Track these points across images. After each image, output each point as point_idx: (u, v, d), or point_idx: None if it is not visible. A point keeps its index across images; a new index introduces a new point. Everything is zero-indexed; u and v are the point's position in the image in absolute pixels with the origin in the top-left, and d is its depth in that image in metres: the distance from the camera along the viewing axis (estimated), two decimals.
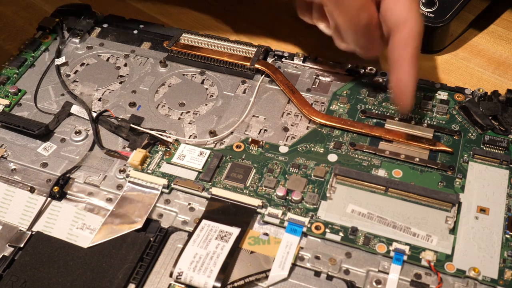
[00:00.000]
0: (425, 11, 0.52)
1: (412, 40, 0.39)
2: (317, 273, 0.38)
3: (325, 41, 0.57)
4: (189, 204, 0.42)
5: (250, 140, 0.46)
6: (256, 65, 0.50)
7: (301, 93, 0.49)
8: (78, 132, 0.47)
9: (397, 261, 0.38)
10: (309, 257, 0.39)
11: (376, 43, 0.42)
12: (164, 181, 0.43)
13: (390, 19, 0.40)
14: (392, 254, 0.38)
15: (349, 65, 0.51)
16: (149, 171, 0.44)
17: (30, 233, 0.41)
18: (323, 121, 0.46)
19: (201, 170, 0.44)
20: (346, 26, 0.41)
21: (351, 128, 0.46)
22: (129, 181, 0.43)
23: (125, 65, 0.53)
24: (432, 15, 0.52)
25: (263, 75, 0.51)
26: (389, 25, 0.40)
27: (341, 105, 0.48)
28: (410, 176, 0.43)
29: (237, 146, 0.46)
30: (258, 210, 0.41)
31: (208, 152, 0.45)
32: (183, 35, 0.54)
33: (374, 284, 0.37)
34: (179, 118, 0.48)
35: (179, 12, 0.62)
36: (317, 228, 0.40)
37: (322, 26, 0.47)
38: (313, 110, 0.47)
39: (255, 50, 0.52)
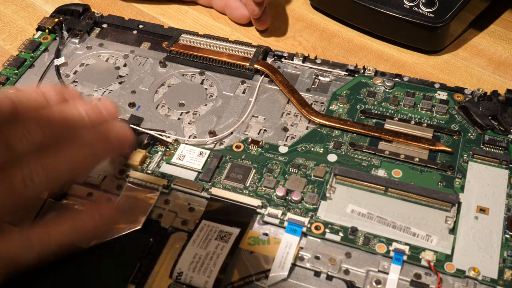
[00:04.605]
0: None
1: None
2: (317, 273, 0.38)
3: (325, 41, 0.57)
4: (189, 204, 0.42)
5: (249, 140, 0.46)
6: (256, 65, 0.50)
7: (300, 93, 0.49)
8: None
9: (397, 261, 0.38)
10: (309, 257, 0.39)
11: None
12: (164, 181, 0.43)
13: None
14: (392, 254, 0.38)
15: (349, 65, 0.51)
16: (148, 171, 0.44)
17: None
18: (322, 121, 0.46)
19: (200, 170, 0.44)
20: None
21: (351, 129, 0.46)
22: (129, 181, 0.43)
23: (125, 65, 0.53)
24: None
25: (263, 75, 0.51)
26: None
27: (341, 105, 0.48)
28: (409, 176, 0.43)
29: (237, 146, 0.46)
30: (258, 210, 0.41)
31: (208, 152, 0.45)
32: (182, 35, 0.54)
33: (374, 284, 0.37)
34: (179, 118, 0.48)
35: (179, 12, 0.62)
36: (316, 228, 0.40)
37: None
38: (312, 110, 0.47)
39: (255, 50, 0.52)
